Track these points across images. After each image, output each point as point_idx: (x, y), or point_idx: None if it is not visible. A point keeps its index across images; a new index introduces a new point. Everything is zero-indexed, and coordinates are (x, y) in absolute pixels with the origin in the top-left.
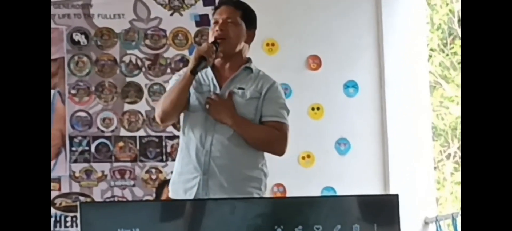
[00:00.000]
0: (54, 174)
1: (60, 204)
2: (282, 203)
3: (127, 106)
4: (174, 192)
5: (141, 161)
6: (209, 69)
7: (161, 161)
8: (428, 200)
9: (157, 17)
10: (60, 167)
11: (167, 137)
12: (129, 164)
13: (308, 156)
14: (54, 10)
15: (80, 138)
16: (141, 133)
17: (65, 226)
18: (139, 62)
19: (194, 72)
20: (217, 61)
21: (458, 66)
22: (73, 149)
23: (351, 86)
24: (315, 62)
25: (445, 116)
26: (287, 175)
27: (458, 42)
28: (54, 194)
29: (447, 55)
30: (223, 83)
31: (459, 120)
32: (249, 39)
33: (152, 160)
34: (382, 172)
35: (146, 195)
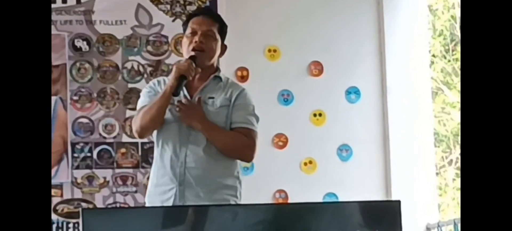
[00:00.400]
0: (56, 180)
1: (62, 210)
2: (284, 209)
3: (129, 113)
4: (150, 203)
5: (143, 167)
6: None
7: None
8: (430, 206)
9: (159, 23)
10: (62, 173)
11: None
12: (131, 170)
13: (310, 162)
14: (56, 17)
15: (82, 144)
16: (143, 139)
17: None
18: (141, 69)
19: (176, 94)
20: None
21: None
22: (75, 155)
23: (353, 93)
24: (317, 68)
25: (447, 122)
26: (289, 181)
27: (460, 48)
28: (56, 200)
29: (449, 61)
30: (194, 93)
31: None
32: (222, 52)
33: None
34: (384, 178)
35: None
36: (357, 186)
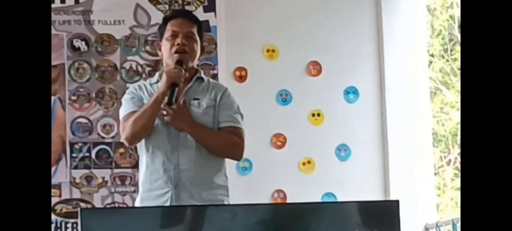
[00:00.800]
0: (54, 180)
1: (61, 210)
2: (282, 209)
3: None
4: None
5: None
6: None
7: None
8: (428, 206)
9: (157, 23)
10: (61, 173)
11: None
12: (129, 170)
13: (309, 162)
14: (54, 17)
15: (80, 144)
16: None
17: None
18: (140, 69)
19: (170, 103)
20: None
21: (459, 72)
22: (74, 155)
23: (351, 93)
24: (315, 68)
25: (445, 122)
26: (287, 181)
27: (458, 48)
28: (54, 200)
29: (448, 61)
30: (178, 96)
31: (459, 126)
32: (202, 53)
33: None
34: (383, 178)
35: None
36: (355, 186)
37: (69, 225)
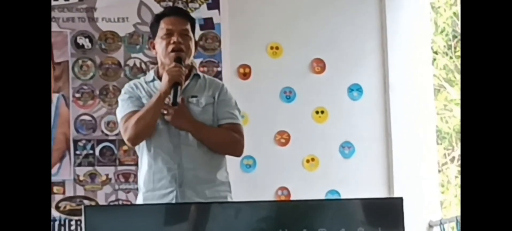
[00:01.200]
0: (58, 178)
1: (65, 207)
2: (286, 206)
3: None
4: None
5: None
6: (158, 82)
7: None
8: (432, 203)
9: None
10: (65, 171)
11: None
12: (133, 168)
13: (313, 159)
14: (58, 14)
15: (84, 141)
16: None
17: (70, 230)
18: (143, 66)
19: (175, 103)
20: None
21: None
22: (78, 152)
23: (355, 90)
24: (319, 65)
25: (449, 119)
26: (291, 178)
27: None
28: (58, 197)
29: (451, 58)
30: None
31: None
32: (195, 50)
33: None
34: (386, 175)
35: None
36: (359, 183)
37: (72, 222)
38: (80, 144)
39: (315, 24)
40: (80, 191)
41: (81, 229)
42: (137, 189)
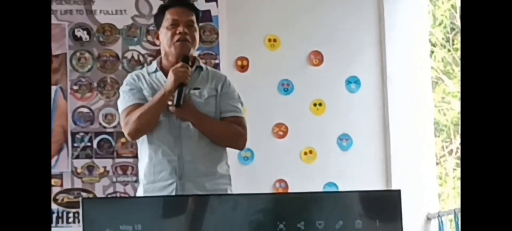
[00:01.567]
0: (56, 170)
1: (62, 200)
2: (284, 198)
3: None
4: None
5: None
6: (160, 73)
7: None
8: (430, 195)
9: None
10: (62, 163)
11: None
12: (131, 160)
13: (310, 152)
14: (56, 6)
15: (82, 134)
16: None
17: (67, 222)
18: (141, 58)
19: (178, 105)
20: (169, 64)
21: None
22: (75, 145)
23: (353, 82)
24: (317, 58)
25: (447, 112)
26: (289, 171)
27: (460, 37)
28: (56, 190)
29: (449, 50)
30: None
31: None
32: (199, 41)
33: None
34: (384, 168)
35: None
36: (357, 175)
37: (70, 215)
38: (78, 136)
39: (313, 16)
40: (78, 184)
41: (78, 221)
42: (135, 181)
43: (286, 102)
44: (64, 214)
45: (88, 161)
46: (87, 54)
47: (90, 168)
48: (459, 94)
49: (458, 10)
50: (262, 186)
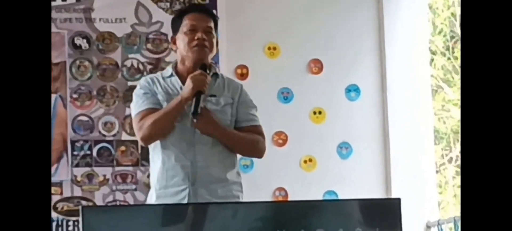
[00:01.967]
0: (56, 178)
1: (62, 208)
2: (284, 207)
3: (128, 111)
4: None
5: (142, 165)
6: (175, 78)
7: None
8: (430, 203)
9: (158, 21)
10: (62, 171)
11: None
12: (130, 168)
13: (310, 160)
14: (55, 14)
15: (81, 142)
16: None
17: (67, 230)
18: (141, 67)
19: (195, 112)
20: (185, 69)
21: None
22: (75, 153)
23: (353, 90)
24: (316, 66)
25: (447, 120)
26: (288, 179)
27: (460, 45)
28: (56, 198)
29: (449, 58)
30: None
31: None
32: (216, 48)
33: None
34: (384, 176)
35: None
36: (357, 183)
37: (70, 223)
38: (78, 144)
39: (313, 24)
40: (78, 192)
41: (78, 229)
42: (134, 189)
43: (285, 111)
44: (64, 222)
45: (87, 169)
46: (86, 63)
47: (90, 176)
48: (459, 102)
49: (458, 18)
50: (261, 194)
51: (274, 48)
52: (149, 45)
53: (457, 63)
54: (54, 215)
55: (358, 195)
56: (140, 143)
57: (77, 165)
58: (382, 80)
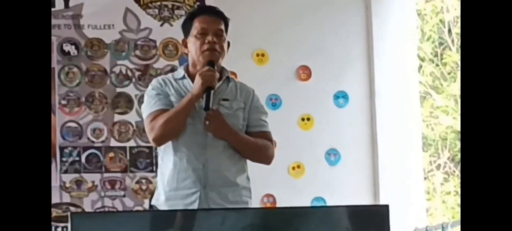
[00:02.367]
0: None
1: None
2: (272, 213)
3: (117, 117)
4: (171, 207)
5: (131, 171)
6: (188, 80)
7: (152, 171)
8: (418, 210)
9: (147, 27)
10: (51, 177)
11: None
12: (119, 175)
13: (298, 166)
14: None
15: (70, 148)
16: (131, 143)
17: None
18: (129, 73)
19: (206, 108)
20: (196, 73)
21: (448, 77)
22: (64, 159)
23: (341, 97)
24: (305, 72)
25: (435, 126)
26: (277, 185)
27: (448, 52)
28: None
29: (437, 65)
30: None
31: (449, 130)
32: (227, 50)
33: (142, 170)
34: (372, 182)
35: (136, 206)
36: (345, 190)
37: (59, 229)
38: (66, 150)
39: (301, 31)
40: (66, 198)
41: None
42: (123, 196)
43: (274, 117)
44: (53, 228)
45: (76, 175)
46: (75, 69)
47: (79, 183)
48: (447, 109)
49: (447, 24)
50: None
51: (263, 55)
52: (137, 52)
53: (446, 69)
54: None
55: (347, 201)
56: (152, 144)
57: (65, 171)
58: (371, 87)
